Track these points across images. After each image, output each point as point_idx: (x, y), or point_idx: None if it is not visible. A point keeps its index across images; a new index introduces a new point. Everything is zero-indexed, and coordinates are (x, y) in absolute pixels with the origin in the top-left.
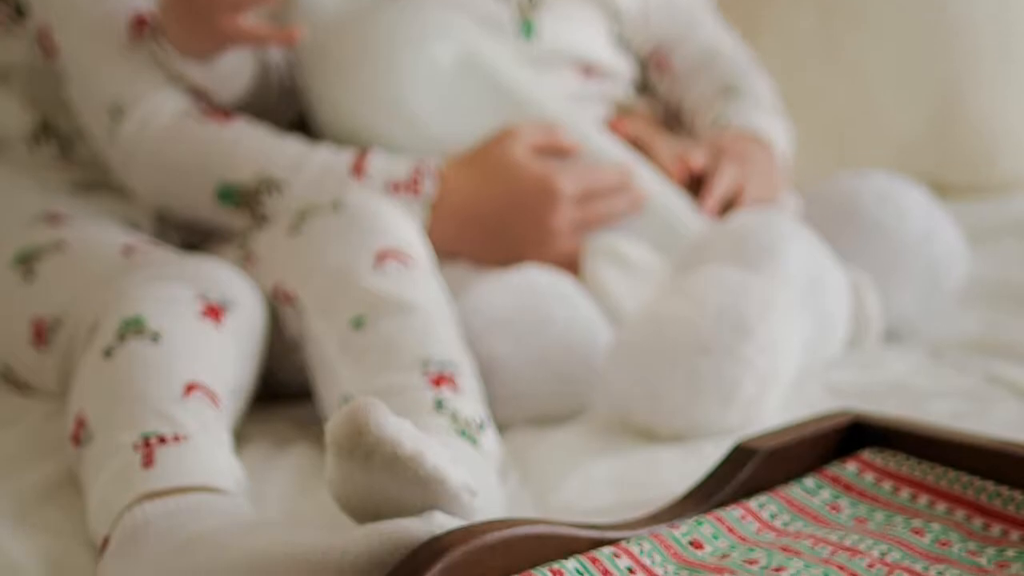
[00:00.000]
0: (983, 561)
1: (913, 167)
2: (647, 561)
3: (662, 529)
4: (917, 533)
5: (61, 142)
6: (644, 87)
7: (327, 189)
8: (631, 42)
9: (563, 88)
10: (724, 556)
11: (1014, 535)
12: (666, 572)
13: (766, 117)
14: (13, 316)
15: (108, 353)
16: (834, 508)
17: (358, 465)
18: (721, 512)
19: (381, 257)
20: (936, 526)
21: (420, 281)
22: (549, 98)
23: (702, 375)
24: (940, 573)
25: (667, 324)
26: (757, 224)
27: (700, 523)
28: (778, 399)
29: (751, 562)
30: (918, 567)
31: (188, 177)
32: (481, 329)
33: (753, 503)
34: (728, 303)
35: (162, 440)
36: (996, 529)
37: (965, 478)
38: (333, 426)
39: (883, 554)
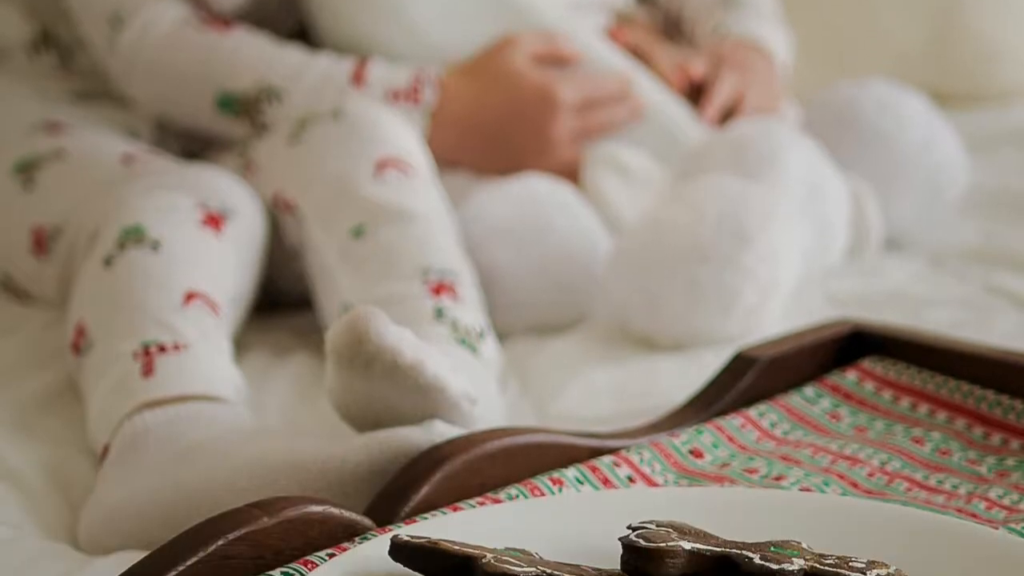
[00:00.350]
0: (983, 470)
1: (913, 76)
2: (647, 470)
3: (662, 438)
4: (917, 442)
5: (61, 51)
6: None
7: (327, 98)
8: None
9: None
10: (724, 465)
11: (1014, 444)
12: (666, 481)
13: (766, 26)
14: (13, 225)
15: (108, 262)
16: (834, 417)
17: (358, 374)
18: (721, 421)
19: (381, 166)
20: (936, 435)
21: (420, 190)
22: (549, 6)
23: (702, 284)
24: (940, 482)
25: (667, 233)
26: (757, 133)
27: (700, 432)
28: (778, 308)
29: (751, 471)
30: (918, 476)
31: (188, 86)
32: (481, 238)
33: (753, 412)
34: (728, 212)
35: (162, 349)
36: (996, 438)
37: (965, 387)
38: (333, 335)
39: (883, 463)
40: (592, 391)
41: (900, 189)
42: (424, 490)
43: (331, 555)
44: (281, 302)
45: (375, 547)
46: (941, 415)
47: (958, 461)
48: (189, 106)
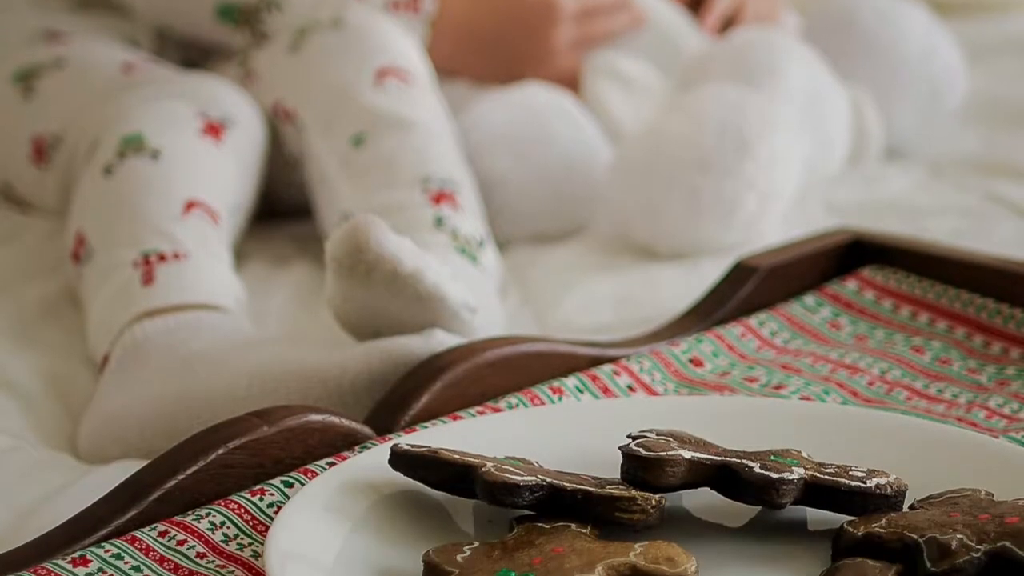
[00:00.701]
0: (983, 379)
1: None
2: (647, 379)
3: (662, 347)
4: (917, 351)
5: None
6: None
7: (327, 7)
8: None
9: None
10: (724, 374)
11: (1014, 353)
12: (666, 390)
13: None
14: (13, 134)
15: (108, 171)
16: (834, 326)
17: (358, 283)
18: (721, 330)
19: (381, 75)
20: (936, 344)
21: (420, 99)
22: None
23: (702, 192)
24: (940, 391)
25: (667, 142)
26: (757, 42)
27: (700, 341)
28: (778, 217)
29: (751, 380)
30: (918, 385)
31: None
32: (481, 146)
33: (753, 321)
34: (728, 120)
35: (162, 258)
36: (996, 347)
37: (965, 296)
38: (333, 243)
39: (883, 372)
40: (592, 300)
41: (900, 97)
42: (424, 399)
43: (331, 464)
44: (281, 212)
45: (375, 456)
46: (941, 324)
47: (958, 370)
48: (189, 15)
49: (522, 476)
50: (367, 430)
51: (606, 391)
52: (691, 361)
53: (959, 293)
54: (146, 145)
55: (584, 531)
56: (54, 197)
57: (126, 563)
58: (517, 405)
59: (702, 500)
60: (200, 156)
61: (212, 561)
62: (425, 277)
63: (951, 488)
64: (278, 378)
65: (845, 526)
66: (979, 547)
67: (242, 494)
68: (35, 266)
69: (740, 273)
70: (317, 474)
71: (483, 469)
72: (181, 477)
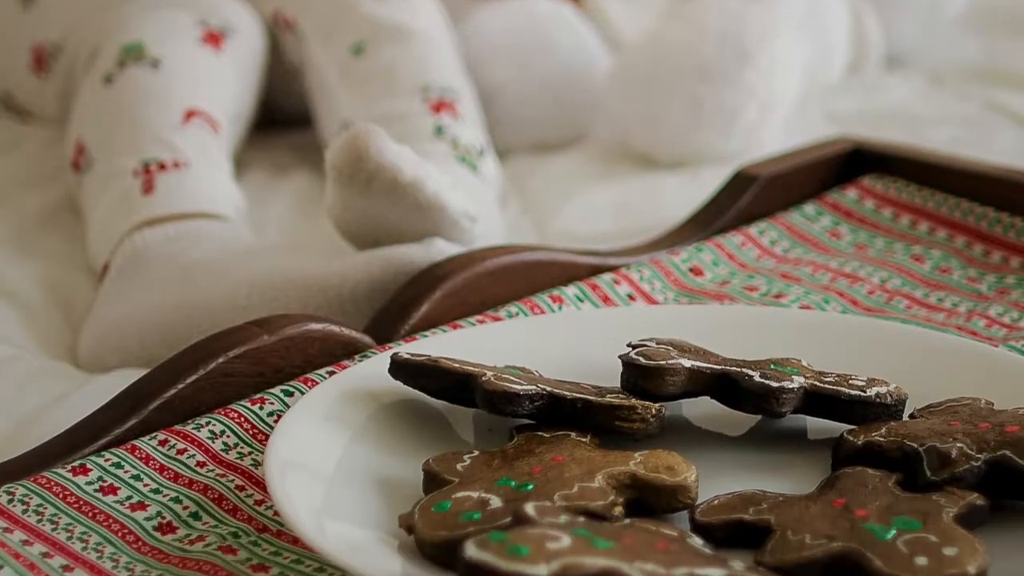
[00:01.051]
0: (983, 288)
1: None
2: (647, 288)
3: (662, 255)
4: (917, 260)
5: None
6: None
7: None
8: None
9: None
10: (724, 283)
11: (1014, 262)
12: (666, 299)
13: None
14: (13, 43)
15: (108, 79)
16: (834, 235)
17: (358, 191)
18: (721, 238)
19: None
20: (936, 252)
21: (420, 7)
22: None
23: (702, 101)
24: (940, 300)
25: (667, 50)
26: None
27: (700, 249)
28: (778, 125)
29: (751, 289)
30: (918, 293)
31: None
32: (481, 55)
33: (753, 229)
34: (729, 29)
35: (162, 167)
36: (996, 256)
37: (965, 205)
38: (333, 152)
39: (883, 280)
40: (592, 208)
41: (900, 5)
42: (424, 308)
43: (331, 373)
44: (281, 120)
45: (375, 365)
46: (941, 233)
47: (958, 279)
48: None
49: (522, 385)
50: (367, 339)
51: (606, 300)
52: (691, 270)
53: (959, 202)
54: (146, 54)
55: (584, 440)
56: (54, 106)
57: (126, 472)
58: (517, 314)
59: (702, 409)
60: (200, 65)
61: (212, 470)
62: (425, 186)
63: (951, 397)
64: (278, 287)
65: (845, 435)
66: (979, 456)
67: (242, 403)
68: (35, 175)
69: (740, 182)
70: (317, 383)
71: (483, 378)
72: (181, 386)
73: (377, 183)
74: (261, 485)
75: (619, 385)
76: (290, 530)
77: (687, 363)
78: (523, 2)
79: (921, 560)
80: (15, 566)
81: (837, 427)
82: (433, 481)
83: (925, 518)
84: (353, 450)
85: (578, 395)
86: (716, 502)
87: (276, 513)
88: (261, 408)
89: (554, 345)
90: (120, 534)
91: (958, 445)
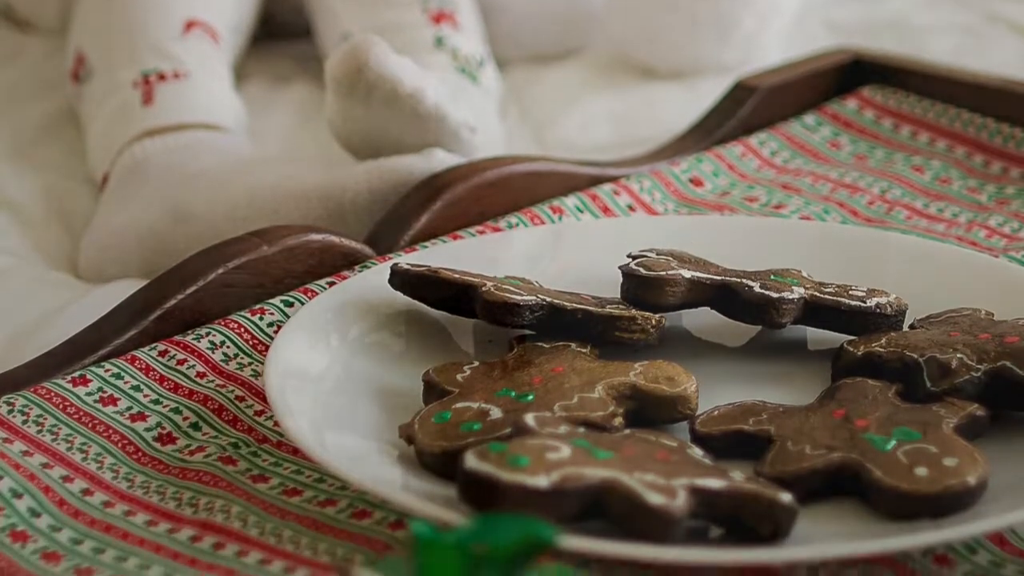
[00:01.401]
0: (983, 198)
1: None
2: (647, 198)
3: (662, 166)
4: (917, 170)
5: None
6: None
7: None
8: None
9: None
10: (724, 194)
11: (1014, 172)
12: (666, 209)
13: None
14: None
15: None
16: (834, 145)
17: (358, 102)
18: (721, 149)
19: None
20: (936, 163)
21: None
22: None
23: (701, 11)
24: (940, 210)
25: None
26: None
27: (700, 160)
28: (778, 35)
29: (751, 199)
30: (918, 204)
31: None
32: None
33: (753, 140)
34: None
35: (162, 77)
36: (996, 166)
37: (966, 115)
38: (333, 63)
39: (883, 191)
40: (591, 119)
41: None
42: (424, 218)
43: (331, 283)
44: (281, 32)
45: (375, 275)
46: (941, 143)
47: (958, 189)
48: None
49: (522, 296)
50: (367, 250)
51: (606, 210)
52: (691, 181)
53: (959, 113)
54: None
55: (584, 351)
56: (54, 16)
57: (126, 383)
58: (517, 225)
59: (702, 320)
60: None
61: (212, 380)
62: (425, 97)
63: (951, 307)
64: (278, 198)
65: (845, 345)
66: (979, 366)
67: (242, 313)
68: (35, 86)
69: (740, 92)
70: (317, 293)
71: (483, 289)
72: (181, 296)
73: (377, 94)
74: (261, 395)
75: (619, 296)
76: (290, 441)
77: (687, 274)
78: None
79: (921, 470)
80: (15, 477)
81: (837, 338)
82: (433, 391)
83: (925, 428)
84: (353, 361)
85: (578, 306)
86: (716, 413)
87: (276, 424)
88: (261, 319)
89: (554, 256)
90: (120, 445)
91: (958, 356)
